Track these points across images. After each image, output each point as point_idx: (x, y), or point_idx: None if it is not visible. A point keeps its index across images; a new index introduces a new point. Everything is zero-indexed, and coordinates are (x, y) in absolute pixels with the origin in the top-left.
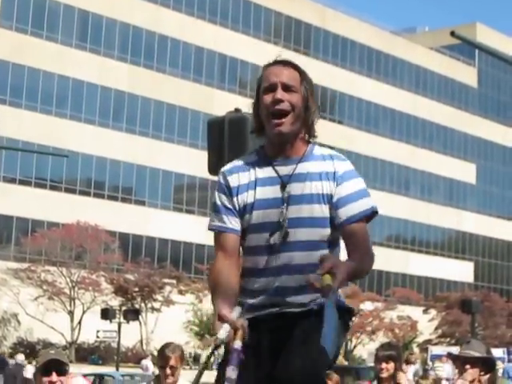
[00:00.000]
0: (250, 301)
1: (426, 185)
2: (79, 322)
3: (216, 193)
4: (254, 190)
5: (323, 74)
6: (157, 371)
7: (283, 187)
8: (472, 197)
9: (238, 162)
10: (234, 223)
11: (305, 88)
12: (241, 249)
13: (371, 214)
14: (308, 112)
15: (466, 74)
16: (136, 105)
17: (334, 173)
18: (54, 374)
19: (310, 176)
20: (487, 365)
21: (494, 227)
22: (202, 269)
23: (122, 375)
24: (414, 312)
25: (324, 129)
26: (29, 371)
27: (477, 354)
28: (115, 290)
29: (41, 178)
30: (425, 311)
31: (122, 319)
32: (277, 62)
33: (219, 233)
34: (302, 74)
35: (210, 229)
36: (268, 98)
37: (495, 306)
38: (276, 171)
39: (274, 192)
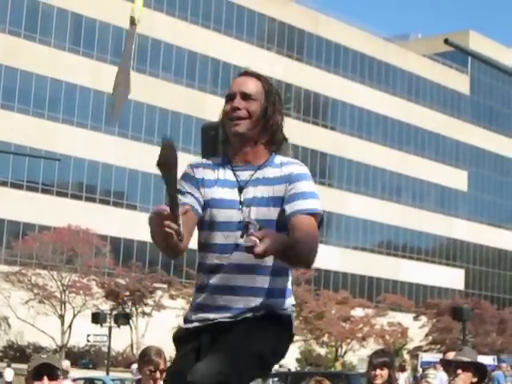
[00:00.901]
0: (200, 298)
1: (417, 192)
2: (70, 326)
3: (180, 180)
4: (215, 188)
5: (316, 79)
6: None
7: (240, 190)
8: (463, 204)
9: (204, 161)
10: (193, 200)
11: (265, 97)
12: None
13: (320, 219)
14: (268, 120)
15: (458, 82)
16: (128, 109)
17: (289, 174)
18: (45, 378)
19: (264, 181)
20: (479, 370)
21: (485, 235)
22: (194, 274)
23: (113, 379)
24: (405, 319)
25: (316, 135)
26: (8, 374)
27: (468, 359)
28: (106, 294)
29: (33, 181)
30: (415, 318)
31: (112, 323)
32: (241, 74)
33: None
34: (265, 84)
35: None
36: (227, 106)
37: (486, 313)
38: (235, 175)
39: (231, 194)
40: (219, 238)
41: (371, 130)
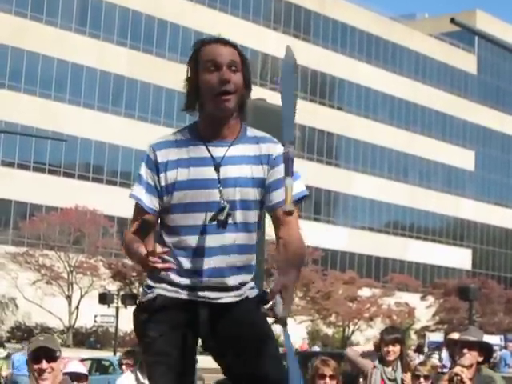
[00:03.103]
0: (183, 280)
1: (424, 171)
2: (77, 307)
3: (143, 165)
4: (188, 168)
5: (322, 59)
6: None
7: (217, 168)
8: (470, 184)
9: (168, 138)
10: (154, 202)
11: (245, 68)
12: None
13: (302, 197)
14: (249, 92)
15: (465, 61)
16: (135, 89)
17: (268, 155)
18: (43, 361)
19: (243, 159)
20: (485, 350)
21: (492, 214)
22: None
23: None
24: (412, 299)
25: (323, 115)
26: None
27: (474, 339)
28: (113, 275)
29: (39, 162)
30: (422, 298)
31: (119, 304)
32: (216, 40)
33: (138, 204)
34: (242, 54)
35: (130, 196)
36: (213, 78)
37: (493, 293)
38: (209, 151)
39: (207, 173)
40: (200, 218)
41: (378, 109)
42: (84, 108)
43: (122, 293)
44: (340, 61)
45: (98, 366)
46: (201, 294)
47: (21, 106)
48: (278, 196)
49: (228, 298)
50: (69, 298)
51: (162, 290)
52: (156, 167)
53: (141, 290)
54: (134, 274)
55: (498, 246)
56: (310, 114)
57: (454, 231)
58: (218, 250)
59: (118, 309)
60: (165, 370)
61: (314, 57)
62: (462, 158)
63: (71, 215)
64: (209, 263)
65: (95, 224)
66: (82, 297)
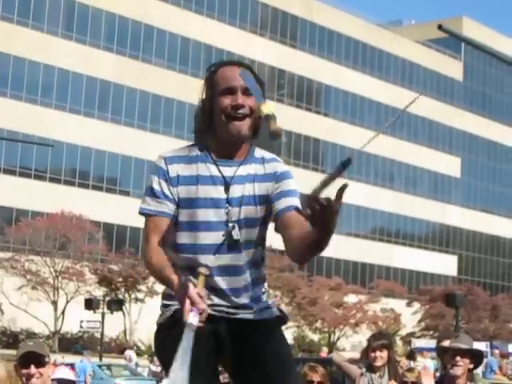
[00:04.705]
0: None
1: (410, 178)
2: (63, 312)
3: (154, 177)
4: (196, 186)
5: (309, 66)
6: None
7: (227, 188)
8: (457, 190)
9: (179, 152)
10: (172, 209)
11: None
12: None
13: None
14: (261, 115)
15: (451, 68)
16: (121, 95)
17: (274, 173)
18: (32, 366)
19: (249, 178)
20: (476, 357)
21: (478, 221)
22: None
23: (99, 365)
24: (398, 305)
25: (309, 121)
26: None
27: (466, 346)
28: (99, 281)
29: (25, 167)
30: (408, 304)
31: (105, 309)
32: (231, 63)
33: (154, 216)
34: (257, 77)
35: (143, 212)
36: (226, 101)
37: (478, 299)
38: (220, 171)
39: (217, 192)
40: (207, 238)
41: (364, 116)
42: (70, 113)
43: (107, 298)
44: (326, 67)
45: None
46: (217, 309)
47: (7, 111)
48: (285, 202)
49: (245, 314)
50: (54, 303)
51: (178, 305)
52: (170, 178)
53: (126, 295)
54: (120, 279)
55: (483, 253)
56: (296, 120)
57: (440, 237)
58: (225, 269)
59: (103, 314)
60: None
61: (300, 63)
62: (448, 165)
63: (57, 220)
64: (217, 283)
65: (81, 229)
66: (67, 302)
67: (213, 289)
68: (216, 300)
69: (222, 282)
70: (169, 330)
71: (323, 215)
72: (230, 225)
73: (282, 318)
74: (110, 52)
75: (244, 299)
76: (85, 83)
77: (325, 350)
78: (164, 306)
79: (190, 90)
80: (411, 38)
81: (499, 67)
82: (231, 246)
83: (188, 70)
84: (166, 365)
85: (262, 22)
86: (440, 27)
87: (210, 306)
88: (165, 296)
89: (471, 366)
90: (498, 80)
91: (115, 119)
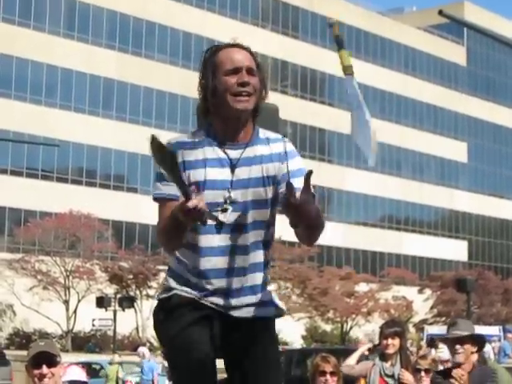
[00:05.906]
0: (194, 280)
1: (417, 165)
2: (74, 311)
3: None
4: (204, 169)
5: (312, 56)
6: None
7: (233, 170)
8: (464, 175)
9: (184, 138)
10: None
11: (261, 71)
12: None
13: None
14: (265, 95)
15: (454, 53)
16: (125, 92)
17: (280, 153)
18: (44, 366)
19: (256, 159)
20: (477, 340)
21: (486, 205)
22: None
23: (110, 363)
24: (409, 292)
25: (314, 111)
26: None
27: (465, 333)
28: (110, 278)
29: (32, 168)
30: (420, 291)
31: (117, 307)
32: (232, 45)
33: (167, 200)
34: (256, 59)
35: (158, 197)
36: (232, 80)
37: (490, 283)
38: (226, 153)
39: (223, 174)
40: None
41: (368, 104)
42: (75, 112)
43: (119, 296)
44: (329, 57)
45: (88, 370)
46: (211, 299)
47: (12, 113)
48: (296, 182)
49: (240, 311)
50: (66, 302)
51: (179, 291)
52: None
53: (137, 292)
54: (131, 276)
55: (493, 237)
56: (300, 110)
57: (449, 223)
58: (228, 249)
59: (115, 312)
60: (187, 364)
61: (303, 53)
62: (455, 150)
63: (66, 220)
64: (217, 263)
65: (90, 228)
66: (79, 301)
67: (206, 269)
68: (211, 282)
69: (219, 262)
70: (167, 313)
71: (296, 216)
72: (221, 207)
73: (278, 314)
74: (112, 50)
75: (243, 281)
76: (88, 82)
77: (363, 340)
78: (165, 286)
79: (193, 84)
80: (413, 25)
81: (502, 51)
82: (233, 226)
83: (191, 64)
84: (163, 343)
85: (264, 14)
86: (441, 13)
87: (205, 295)
88: (168, 271)
89: (474, 349)
90: (501, 63)
91: (120, 117)
